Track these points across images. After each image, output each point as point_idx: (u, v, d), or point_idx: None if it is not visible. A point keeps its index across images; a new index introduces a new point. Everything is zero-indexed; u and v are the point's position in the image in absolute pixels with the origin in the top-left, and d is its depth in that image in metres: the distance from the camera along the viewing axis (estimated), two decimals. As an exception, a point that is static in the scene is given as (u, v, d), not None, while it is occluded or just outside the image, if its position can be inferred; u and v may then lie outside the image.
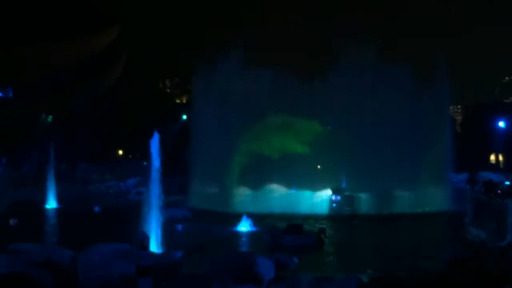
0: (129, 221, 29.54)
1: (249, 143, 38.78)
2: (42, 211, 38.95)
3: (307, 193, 38.55)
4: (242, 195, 38.58)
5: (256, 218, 31.08)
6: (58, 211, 39.55)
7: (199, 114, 42.33)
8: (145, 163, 66.39)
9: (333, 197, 38.09)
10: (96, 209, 38.47)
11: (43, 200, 41.17)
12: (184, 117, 68.00)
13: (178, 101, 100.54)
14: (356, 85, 38.48)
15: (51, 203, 41.24)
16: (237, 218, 30.80)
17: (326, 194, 38.50)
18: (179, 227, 30.30)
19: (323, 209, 37.55)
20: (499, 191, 26.44)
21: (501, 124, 69.63)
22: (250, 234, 28.93)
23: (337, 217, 35.56)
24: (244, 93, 39.66)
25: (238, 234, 28.98)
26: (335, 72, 39.05)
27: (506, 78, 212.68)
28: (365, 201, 37.78)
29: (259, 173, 38.21)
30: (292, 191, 38.73)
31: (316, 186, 38.99)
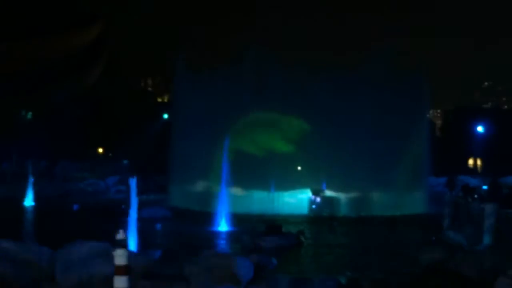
0: (108, 220, 29.44)
1: (230, 142, 38.72)
2: (19, 208, 38.60)
3: (287, 194, 38.65)
4: (223, 195, 38.53)
5: (235, 218, 31.08)
6: (36, 208, 39.22)
7: (180, 112, 42.24)
8: (125, 161, 66.39)
9: (313, 199, 38.20)
10: (75, 207, 38.24)
11: (21, 198, 40.80)
12: (166, 116, 67.91)
13: (159, 100, 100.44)
14: (336, 88, 38.62)
15: (29, 201, 40.89)
16: (216, 218, 30.78)
17: (306, 195, 38.60)
18: (158, 226, 30.23)
19: (303, 210, 37.65)
20: (476, 196, 26.69)
21: (480, 129, 70.43)
22: (229, 235, 28.93)
23: (316, 218, 35.69)
24: (227, 91, 39.65)
25: (217, 234, 28.96)
26: (314, 74, 39.22)
27: (486, 83, 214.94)
28: (344, 203, 37.97)
29: (240, 172, 38.17)
30: (272, 192, 38.77)
31: (296, 187, 39.14)
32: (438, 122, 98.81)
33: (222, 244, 26.91)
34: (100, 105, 71.77)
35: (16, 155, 54.87)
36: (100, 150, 76.57)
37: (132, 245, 20.47)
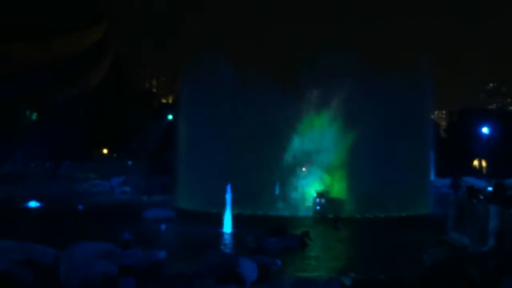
0: (112, 220, 29.49)
1: (234, 143, 38.75)
2: (24, 209, 38.68)
3: (292, 195, 38.61)
4: (228, 195, 38.52)
5: (239, 219, 31.06)
6: (40, 209, 39.29)
7: (185, 113, 42.24)
8: (129, 162, 66.47)
9: (317, 200, 38.14)
10: (80, 207, 38.32)
11: (26, 198, 40.87)
12: (170, 117, 67.97)
13: (164, 100, 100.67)
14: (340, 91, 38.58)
15: (33, 201, 40.95)
16: (221, 219, 30.76)
17: (311, 196, 38.56)
18: (163, 227, 30.25)
19: (307, 211, 37.61)
20: (481, 197, 26.63)
21: (485, 130, 70.28)
22: (233, 236, 28.92)
23: (321, 219, 35.65)
24: (231, 92, 39.65)
25: (221, 235, 28.95)
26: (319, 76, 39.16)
27: (491, 84, 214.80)
28: (349, 204, 37.89)
29: (244, 173, 38.18)
30: (277, 193, 38.76)
31: (301, 188, 39.10)
32: (443, 124, 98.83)
33: (227, 245, 26.91)
34: (104, 105, 71.90)
35: (20, 155, 55.01)
36: (105, 150, 76.72)
37: (137, 245, 20.47)
